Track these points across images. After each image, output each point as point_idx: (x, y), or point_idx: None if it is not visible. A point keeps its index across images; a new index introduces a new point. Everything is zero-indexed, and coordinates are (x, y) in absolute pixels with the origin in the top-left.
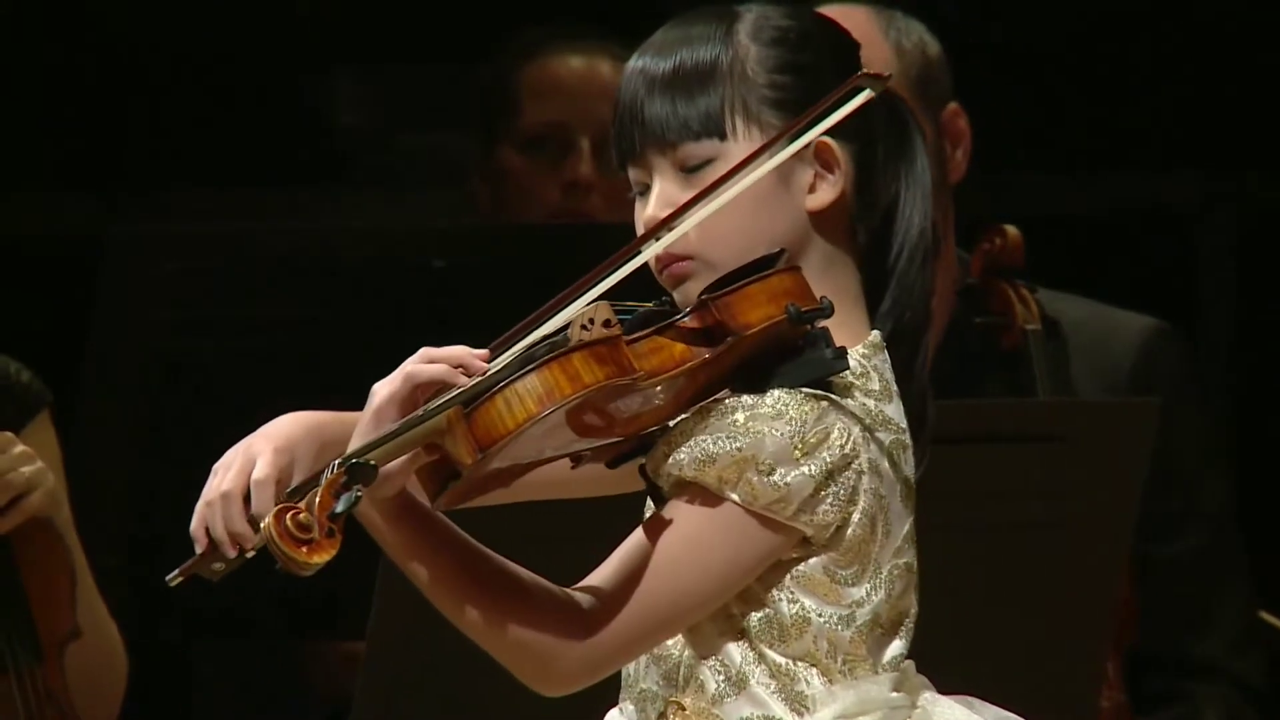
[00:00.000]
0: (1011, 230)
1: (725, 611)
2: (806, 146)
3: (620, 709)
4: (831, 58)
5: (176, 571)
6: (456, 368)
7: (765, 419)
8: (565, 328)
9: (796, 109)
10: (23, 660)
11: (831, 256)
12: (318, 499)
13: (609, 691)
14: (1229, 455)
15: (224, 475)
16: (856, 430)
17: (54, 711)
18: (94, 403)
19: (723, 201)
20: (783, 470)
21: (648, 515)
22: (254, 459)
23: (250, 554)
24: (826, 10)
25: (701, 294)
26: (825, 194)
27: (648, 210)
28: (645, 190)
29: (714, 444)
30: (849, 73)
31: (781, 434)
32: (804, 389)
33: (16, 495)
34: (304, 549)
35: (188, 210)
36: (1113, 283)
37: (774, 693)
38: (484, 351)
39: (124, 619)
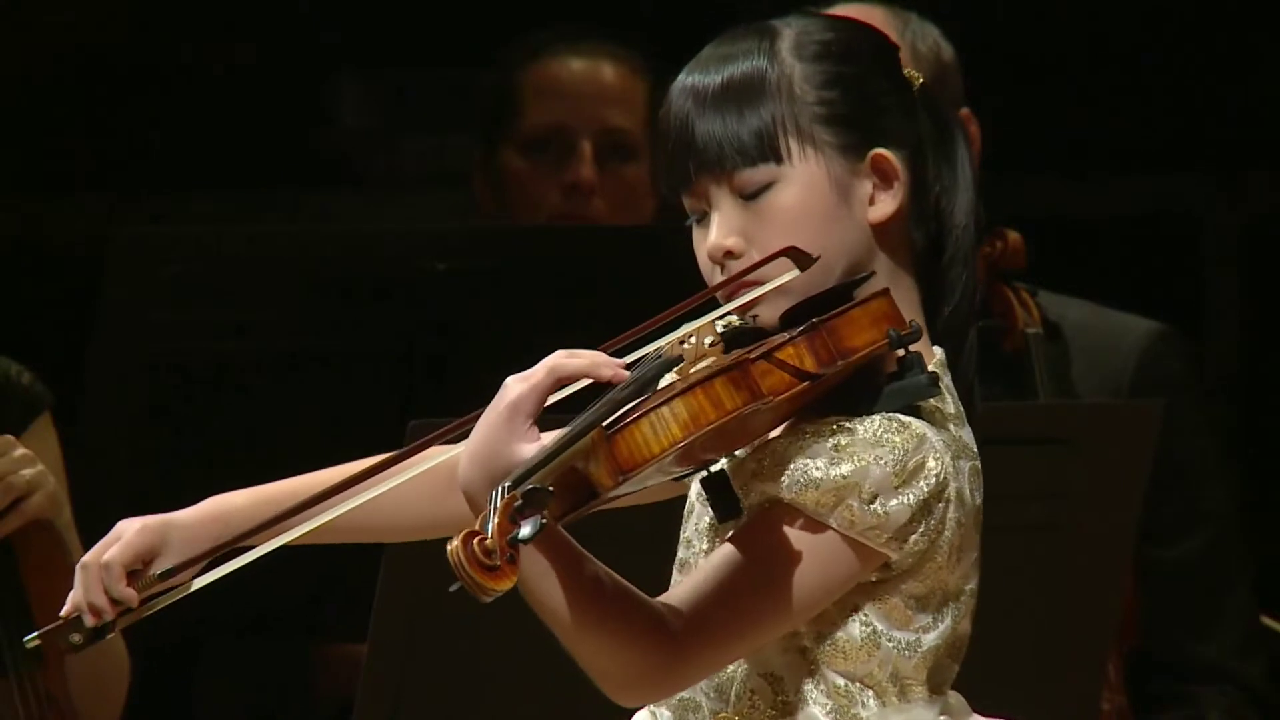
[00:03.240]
0: (1013, 233)
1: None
2: (860, 160)
3: (654, 714)
4: (876, 65)
5: (36, 634)
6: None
7: (867, 445)
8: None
9: (848, 122)
10: (23, 663)
11: (895, 271)
12: (496, 524)
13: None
14: (1232, 458)
15: (96, 546)
16: (947, 459)
17: (54, 714)
18: (95, 405)
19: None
20: (883, 499)
21: (698, 521)
22: (119, 537)
23: (112, 633)
24: (843, 10)
25: (783, 317)
26: (886, 206)
27: (712, 238)
28: (703, 217)
29: (815, 468)
30: (895, 79)
31: (885, 462)
32: (900, 415)
33: (17, 497)
34: (491, 576)
35: (190, 212)
36: (1116, 286)
37: (829, 713)
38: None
39: None
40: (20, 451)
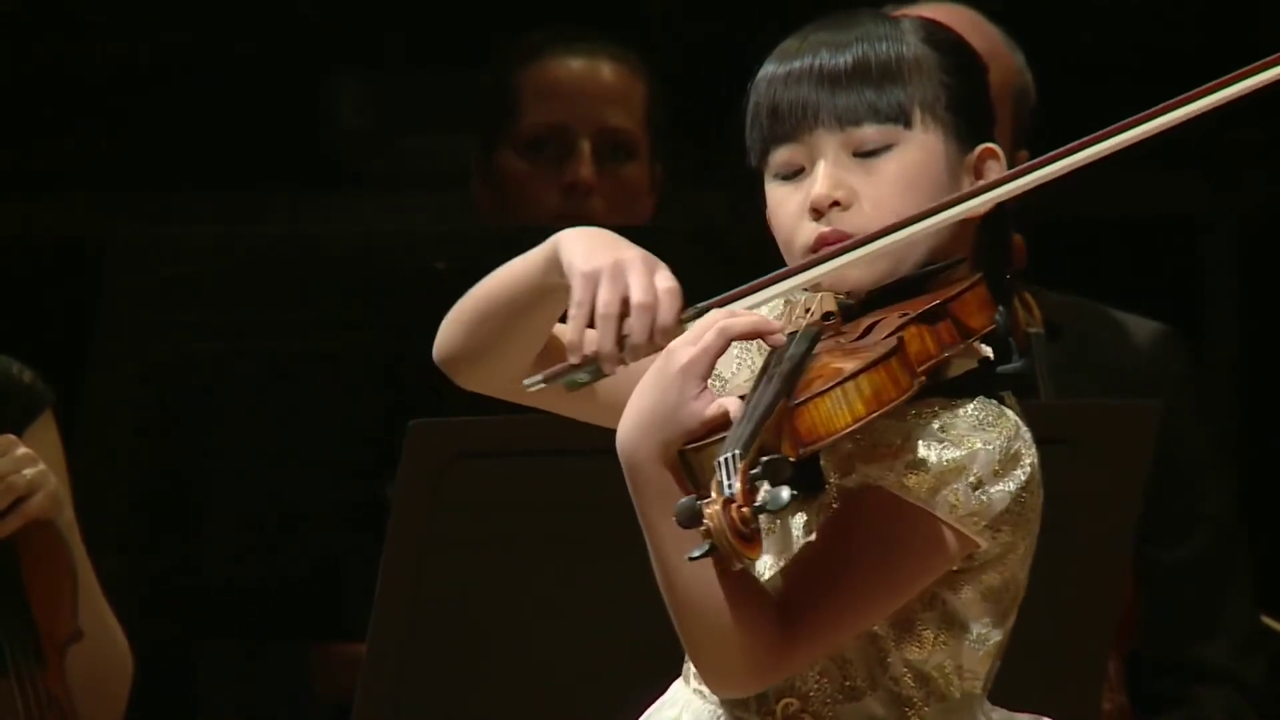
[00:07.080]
0: (1014, 234)
1: None
2: (969, 152)
3: (700, 694)
4: (985, 74)
5: (540, 376)
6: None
7: (973, 429)
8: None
9: (967, 111)
10: (23, 663)
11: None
12: (740, 492)
13: (611, 693)
14: (1232, 459)
15: (619, 286)
16: (1034, 450)
17: (55, 715)
18: (96, 404)
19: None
20: (986, 485)
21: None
22: (654, 268)
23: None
24: (932, 10)
25: (866, 296)
26: (979, 205)
27: (819, 188)
28: (794, 174)
29: (921, 451)
30: (986, 83)
31: (992, 446)
32: (994, 402)
33: (18, 498)
34: (748, 545)
35: (189, 213)
36: (1116, 286)
37: (890, 701)
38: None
39: (127, 621)
40: (21, 451)
